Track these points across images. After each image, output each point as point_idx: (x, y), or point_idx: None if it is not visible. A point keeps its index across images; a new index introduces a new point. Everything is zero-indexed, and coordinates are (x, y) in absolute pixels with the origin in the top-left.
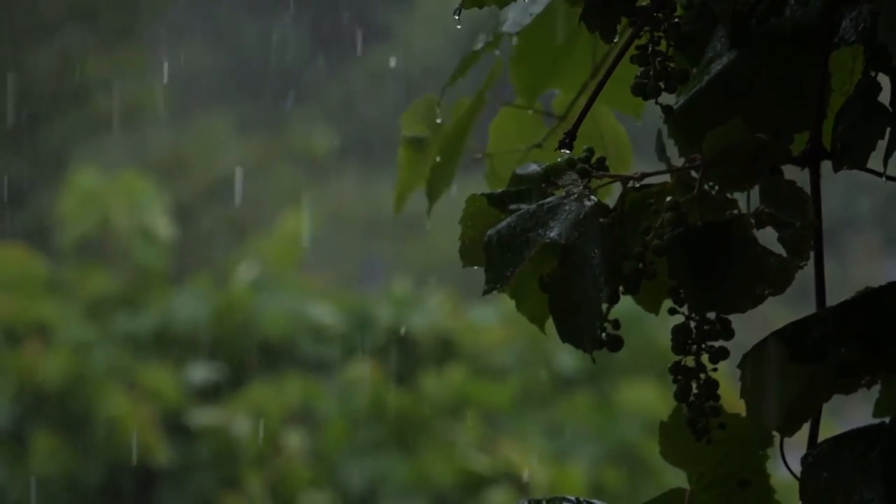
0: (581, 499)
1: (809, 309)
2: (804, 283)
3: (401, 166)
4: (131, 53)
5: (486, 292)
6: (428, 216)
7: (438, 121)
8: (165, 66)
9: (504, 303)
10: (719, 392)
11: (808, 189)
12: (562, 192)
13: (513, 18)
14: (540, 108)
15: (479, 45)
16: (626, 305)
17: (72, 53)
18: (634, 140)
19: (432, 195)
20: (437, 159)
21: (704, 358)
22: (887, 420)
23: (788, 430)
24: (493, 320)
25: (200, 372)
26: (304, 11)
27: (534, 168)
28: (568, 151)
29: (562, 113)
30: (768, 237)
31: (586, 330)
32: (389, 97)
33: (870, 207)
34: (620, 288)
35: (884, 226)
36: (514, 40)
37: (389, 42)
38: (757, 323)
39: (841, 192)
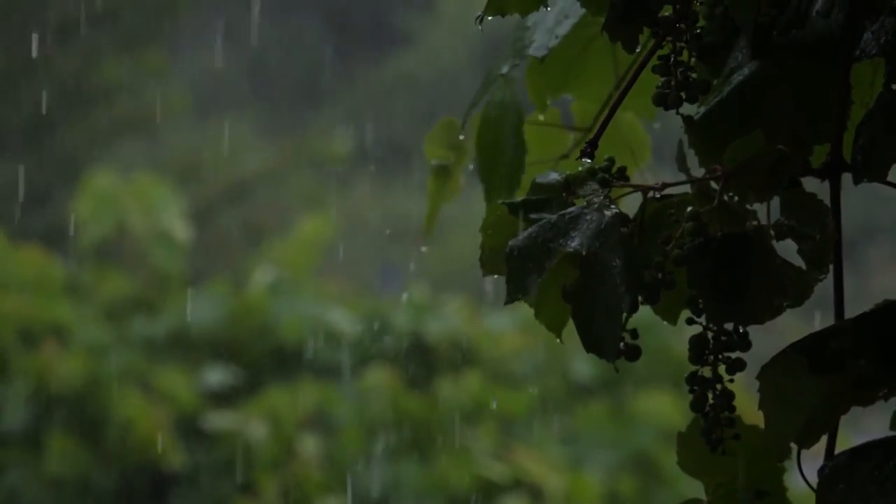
0: None
1: (825, 320)
2: (820, 294)
3: (430, 194)
4: (152, 57)
5: (507, 302)
6: (428, 238)
7: (462, 137)
8: (186, 69)
9: (521, 310)
10: (736, 403)
11: (828, 201)
12: (582, 202)
13: (539, 41)
14: (558, 119)
15: (505, 69)
16: (641, 314)
17: (92, 56)
18: (656, 150)
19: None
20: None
21: (721, 369)
22: None
23: (806, 441)
24: (510, 327)
25: (216, 376)
26: (325, 17)
27: (554, 177)
28: (589, 161)
29: (582, 123)
30: (788, 249)
31: (609, 339)
32: (409, 102)
33: (888, 219)
34: (640, 298)
35: None
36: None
37: (410, 48)
38: (773, 334)
39: (859, 203)
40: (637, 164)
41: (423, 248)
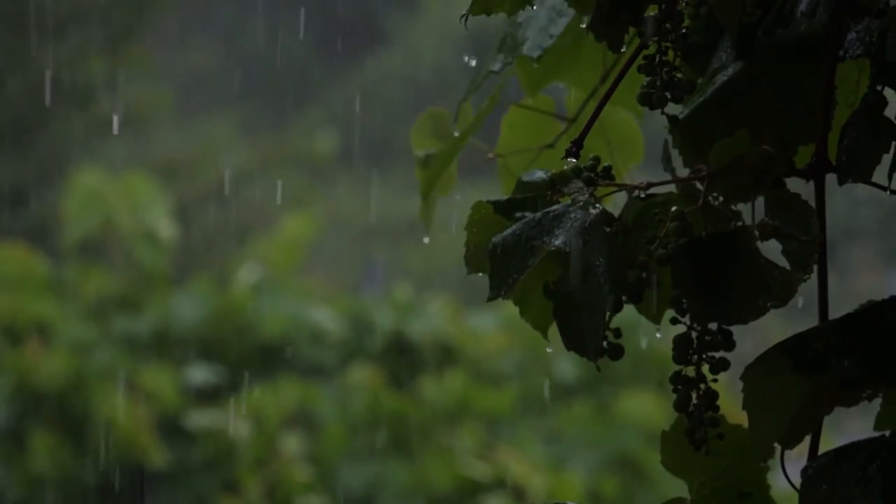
0: None
1: (806, 321)
2: (801, 295)
3: (421, 188)
4: (136, 55)
5: (490, 299)
6: (427, 229)
7: (456, 134)
8: (170, 68)
9: (504, 310)
10: (720, 403)
11: (812, 202)
12: (567, 200)
13: (533, 39)
14: (551, 107)
15: (497, 67)
16: (624, 313)
17: (77, 54)
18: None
19: (428, 202)
20: (439, 160)
21: (705, 368)
22: (887, 433)
23: (790, 442)
24: (493, 327)
25: (199, 374)
26: (309, 16)
27: (539, 175)
28: (574, 159)
29: (573, 114)
30: (772, 249)
31: (590, 338)
32: (392, 102)
33: (871, 220)
34: (623, 297)
35: (884, 239)
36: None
37: (392, 47)
38: (754, 335)
39: (842, 204)
40: (628, 163)
41: (426, 239)
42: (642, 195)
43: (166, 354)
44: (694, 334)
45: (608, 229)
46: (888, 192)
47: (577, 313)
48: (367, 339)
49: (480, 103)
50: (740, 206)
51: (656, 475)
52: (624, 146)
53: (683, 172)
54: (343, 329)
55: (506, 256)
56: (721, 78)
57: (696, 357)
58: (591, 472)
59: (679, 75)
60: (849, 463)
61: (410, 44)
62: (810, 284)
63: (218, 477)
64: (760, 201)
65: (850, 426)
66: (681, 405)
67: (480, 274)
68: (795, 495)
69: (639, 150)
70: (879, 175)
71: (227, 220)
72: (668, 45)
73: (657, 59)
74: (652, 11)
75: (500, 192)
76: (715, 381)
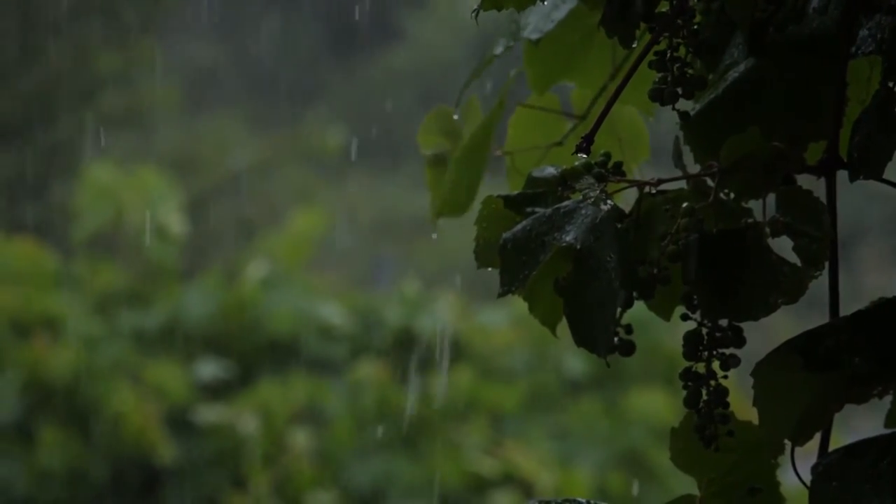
0: (591, 501)
1: (816, 318)
2: (809, 292)
3: (430, 186)
4: (145, 50)
5: (500, 295)
6: (434, 227)
7: (456, 117)
8: (178, 62)
9: (513, 306)
10: (729, 399)
11: (823, 198)
12: (578, 196)
13: (534, 24)
14: (557, 105)
15: (499, 50)
16: (633, 310)
17: (85, 49)
18: (652, 146)
19: (450, 208)
20: (455, 171)
21: (715, 365)
22: None
23: (800, 438)
24: (501, 323)
25: (208, 369)
26: (319, 11)
27: (550, 171)
28: (585, 156)
29: (581, 111)
30: (783, 246)
31: (601, 334)
32: (402, 97)
33: (880, 217)
34: (634, 293)
35: (894, 236)
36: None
37: (403, 42)
38: (762, 332)
39: (852, 201)
40: (635, 160)
41: (434, 235)
42: (653, 191)
43: (175, 349)
44: (704, 330)
45: (619, 225)
46: None
47: (588, 310)
48: (376, 335)
49: (490, 104)
50: (751, 203)
51: (664, 472)
52: (632, 143)
53: (694, 169)
54: (352, 325)
55: (516, 252)
56: (732, 74)
57: (706, 353)
58: (599, 469)
59: (690, 71)
60: (859, 460)
61: (421, 40)
62: (820, 281)
63: (226, 472)
64: (771, 198)
65: (860, 423)
66: (691, 401)
67: (490, 269)
68: (805, 492)
69: (645, 145)
70: (891, 172)
71: (236, 216)
72: (680, 41)
73: (668, 55)
74: (664, 7)
75: (507, 189)
76: (725, 377)
